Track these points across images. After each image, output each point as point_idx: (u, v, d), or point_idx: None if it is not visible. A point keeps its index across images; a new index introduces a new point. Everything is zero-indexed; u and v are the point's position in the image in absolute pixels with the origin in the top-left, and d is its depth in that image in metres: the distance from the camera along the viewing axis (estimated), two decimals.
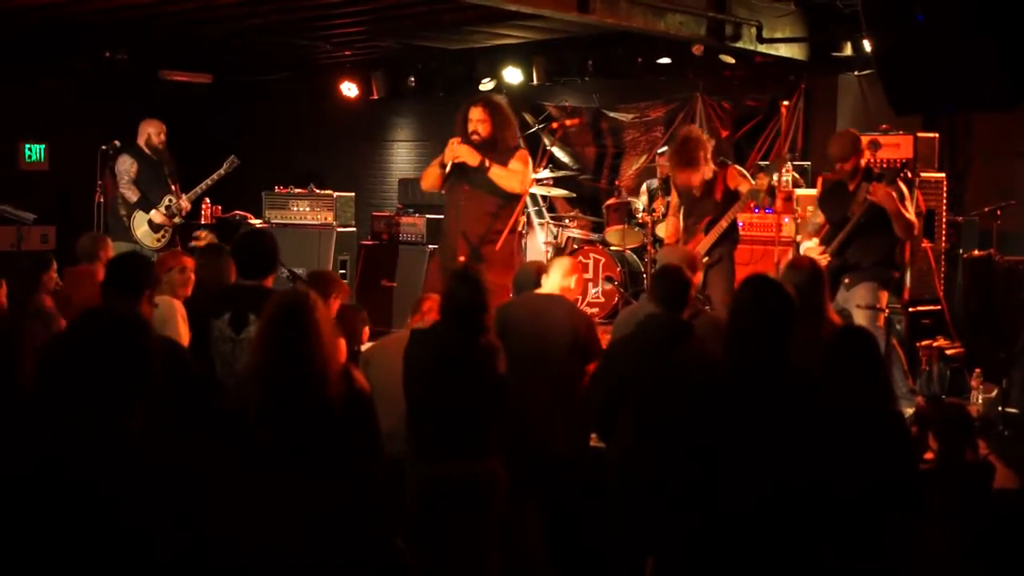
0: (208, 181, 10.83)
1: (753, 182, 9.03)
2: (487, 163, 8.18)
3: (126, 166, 10.58)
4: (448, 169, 8.31)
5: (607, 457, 6.03)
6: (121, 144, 10.71)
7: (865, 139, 8.56)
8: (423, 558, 5.58)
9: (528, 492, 6.14)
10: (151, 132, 10.70)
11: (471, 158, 8.23)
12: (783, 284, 4.87)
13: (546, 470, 6.26)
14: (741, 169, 9.16)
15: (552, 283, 6.68)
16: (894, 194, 7.94)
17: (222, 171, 10.78)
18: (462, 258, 8.11)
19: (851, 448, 4.32)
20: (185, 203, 10.67)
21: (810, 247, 8.25)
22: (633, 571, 5.70)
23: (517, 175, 8.22)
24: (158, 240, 10.54)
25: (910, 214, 8.07)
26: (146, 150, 10.66)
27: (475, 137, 8.33)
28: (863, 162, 8.27)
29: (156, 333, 5.20)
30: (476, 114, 8.32)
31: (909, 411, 7.64)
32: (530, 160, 8.47)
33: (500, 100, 8.55)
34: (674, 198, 9.28)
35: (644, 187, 12.04)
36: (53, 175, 14.34)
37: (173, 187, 10.73)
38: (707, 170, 8.79)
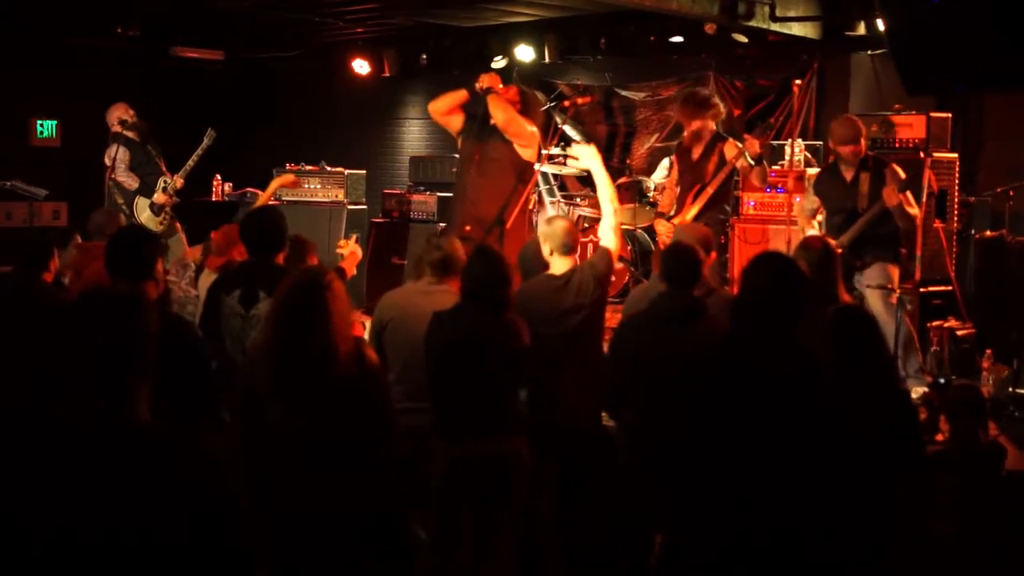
0: (194, 157, 10.74)
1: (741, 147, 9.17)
2: (498, 87, 8.31)
3: (119, 155, 10.55)
4: (474, 96, 8.42)
5: (617, 434, 6.04)
6: (112, 135, 10.67)
7: (877, 119, 8.61)
8: (442, 537, 5.58)
9: (544, 468, 6.13)
10: (121, 114, 10.66)
11: (492, 80, 8.39)
12: (795, 261, 4.87)
13: (562, 445, 6.25)
14: (736, 142, 9.24)
15: (560, 263, 6.57)
16: (902, 197, 7.97)
17: (204, 144, 10.73)
18: (468, 228, 8.14)
19: (856, 424, 4.31)
20: (179, 181, 10.64)
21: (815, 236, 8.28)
22: (642, 549, 5.71)
23: (509, 112, 8.30)
24: (160, 223, 10.53)
25: (913, 208, 8.11)
26: (128, 134, 10.60)
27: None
28: (863, 147, 8.32)
29: (166, 311, 5.26)
30: (512, 86, 8.58)
31: (920, 391, 7.65)
32: (538, 134, 8.55)
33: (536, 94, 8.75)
34: (674, 173, 9.47)
35: (665, 161, 12.04)
36: (65, 151, 14.34)
37: (163, 166, 10.72)
38: (708, 123, 9.31)
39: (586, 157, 7.26)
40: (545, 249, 6.50)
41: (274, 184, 8.95)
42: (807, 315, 4.70)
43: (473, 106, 8.68)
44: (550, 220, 6.61)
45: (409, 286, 6.41)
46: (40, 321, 5.24)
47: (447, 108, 8.64)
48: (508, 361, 5.53)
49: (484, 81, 8.39)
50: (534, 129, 8.44)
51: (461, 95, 8.58)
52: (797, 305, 4.19)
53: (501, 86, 8.44)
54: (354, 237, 7.76)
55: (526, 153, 8.39)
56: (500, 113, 8.24)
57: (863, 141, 8.35)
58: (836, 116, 10.10)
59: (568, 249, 6.46)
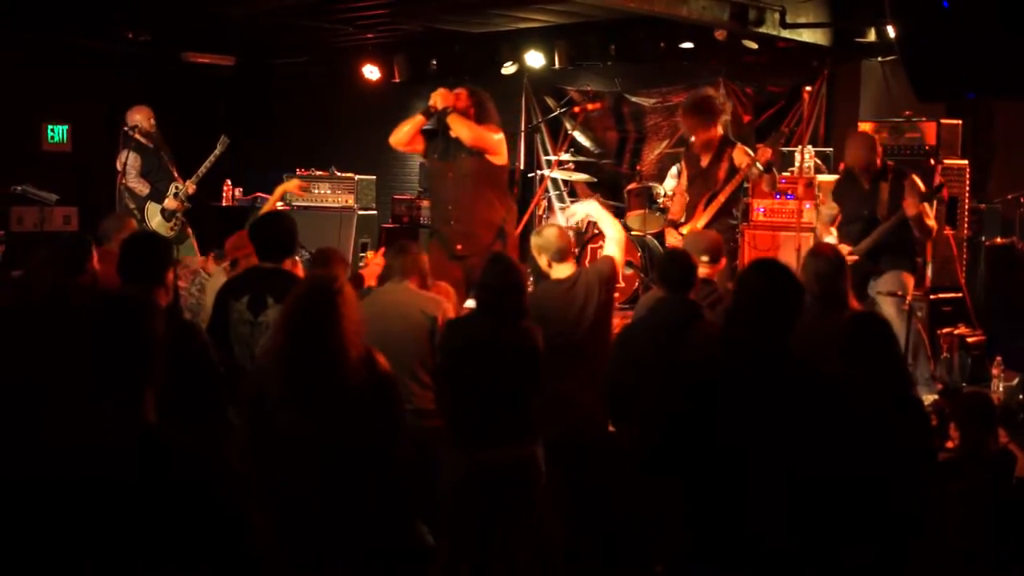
0: (207, 163, 10.79)
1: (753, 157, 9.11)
2: (451, 108, 8.20)
3: (130, 161, 10.57)
4: (429, 119, 8.33)
5: (621, 441, 6.03)
6: (124, 138, 10.69)
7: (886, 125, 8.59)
8: (455, 544, 5.56)
9: (554, 472, 6.13)
10: (140, 120, 10.68)
11: (444, 99, 8.26)
12: (794, 271, 4.85)
13: (573, 449, 6.24)
14: (747, 149, 9.21)
15: (560, 270, 6.57)
16: (923, 208, 7.95)
17: (217, 151, 10.77)
18: (459, 247, 8.13)
19: (865, 433, 4.30)
20: (191, 186, 10.67)
21: (831, 243, 8.24)
22: (646, 554, 5.70)
23: (471, 127, 8.21)
24: (172, 228, 10.54)
25: (931, 219, 8.10)
26: (142, 140, 10.62)
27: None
28: (879, 161, 8.27)
29: (174, 316, 5.26)
30: (458, 90, 8.40)
31: (931, 398, 7.64)
32: (502, 138, 8.46)
33: (486, 94, 8.60)
34: (683, 178, 9.42)
35: (674, 170, 12.03)
36: (76, 156, 14.37)
37: (174, 171, 10.75)
38: (716, 130, 9.13)
39: (587, 211, 7.20)
40: (543, 261, 6.49)
41: (279, 190, 8.95)
42: (818, 322, 4.70)
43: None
44: (540, 230, 6.59)
45: (379, 289, 6.48)
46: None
47: (409, 137, 8.52)
48: (523, 368, 5.51)
49: (438, 101, 8.25)
50: (499, 136, 8.37)
51: (419, 121, 8.45)
52: (791, 314, 4.17)
53: (457, 92, 8.36)
54: (381, 251, 7.76)
55: (497, 160, 8.35)
56: (465, 131, 8.17)
57: (878, 152, 8.30)
58: (846, 123, 10.12)
59: (564, 255, 6.47)
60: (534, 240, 6.56)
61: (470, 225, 8.26)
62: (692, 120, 9.19)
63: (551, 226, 6.72)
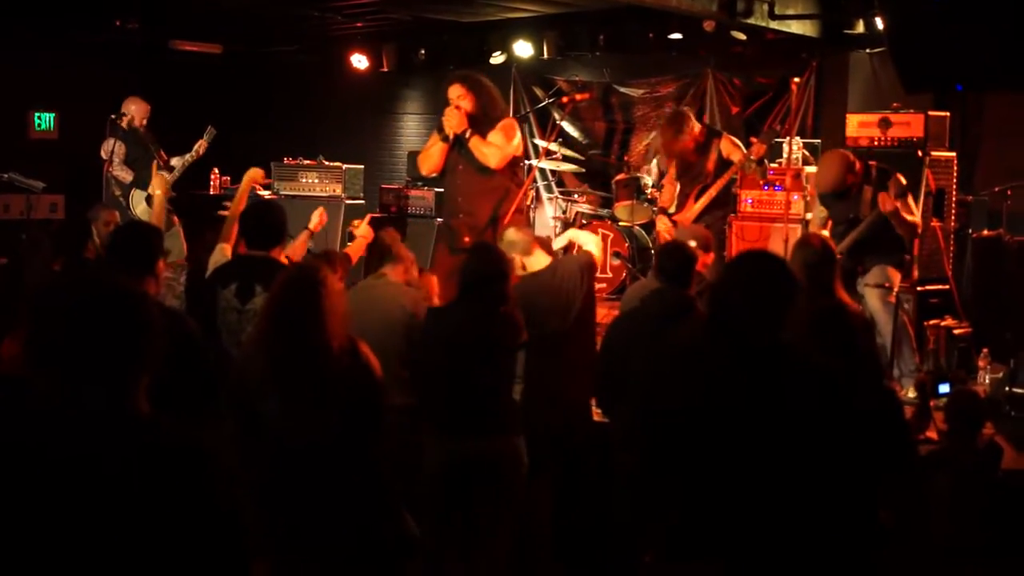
0: (193, 154, 10.72)
1: (745, 152, 9.09)
2: (468, 133, 8.19)
3: (116, 149, 10.54)
4: (451, 141, 8.29)
5: (611, 432, 6.03)
6: (111, 125, 10.64)
7: (875, 117, 8.61)
8: (437, 534, 5.57)
9: (542, 463, 6.12)
10: (133, 111, 10.65)
11: (459, 124, 8.21)
12: (786, 262, 4.81)
13: (558, 444, 6.24)
14: (735, 139, 9.20)
15: (538, 260, 6.54)
16: (899, 204, 7.94)
17: (203, 141, 10.71)
18: (467, 239, 8.10)
19: (845, 425, 4.28)
20: (177, 171, 10.63)
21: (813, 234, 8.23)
22: (636, 545, 5.71)
23: (493, 149, 8.17)
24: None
25: (913, 215, 8.09)
26: (127, 127, 10.59)
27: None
28: (858, 171, 8.19)
29: (162, 305, 5.24)
30: (455, 92, 8.31)
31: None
32: (516, 129, 8.43)
33: (477, 75, 8.56)
34: (672, 170, 9.43)
35: (654, 163, 12.04)
36: (63, 144, 14.32)
37: (161, 161, 10.71)
38: (692, 133, 9.14)
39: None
40: (517, 261, 6.45)
41: (245, 184, 8.81)
42: (805, 312, 4.67)
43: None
44: (499, 235, 6.59)
45: (361, 283, 6.42)
46: None
47: (440, 161, 8.48)
48: (501, 357, 5.51)
49: (456, 126, 8.18)
50: (516, 140, 8.33)
51: (443, 148, 8.40)
52: (781, 308, 4.07)
53: (456, 94, 8.31)
54: (368, 217, 7.72)
55: (512, 160, 8.36)
56: (491, 156, 8.13)
57: (855, 169, 8.17)
58: (835, 114, 10.10)
59: (528, 247, 6.47)
60: (501, 246, 6.55)
61: (477, 218, 8.26)
62: (664, 134, 9.34)
63: (511, 229, 6.70)
